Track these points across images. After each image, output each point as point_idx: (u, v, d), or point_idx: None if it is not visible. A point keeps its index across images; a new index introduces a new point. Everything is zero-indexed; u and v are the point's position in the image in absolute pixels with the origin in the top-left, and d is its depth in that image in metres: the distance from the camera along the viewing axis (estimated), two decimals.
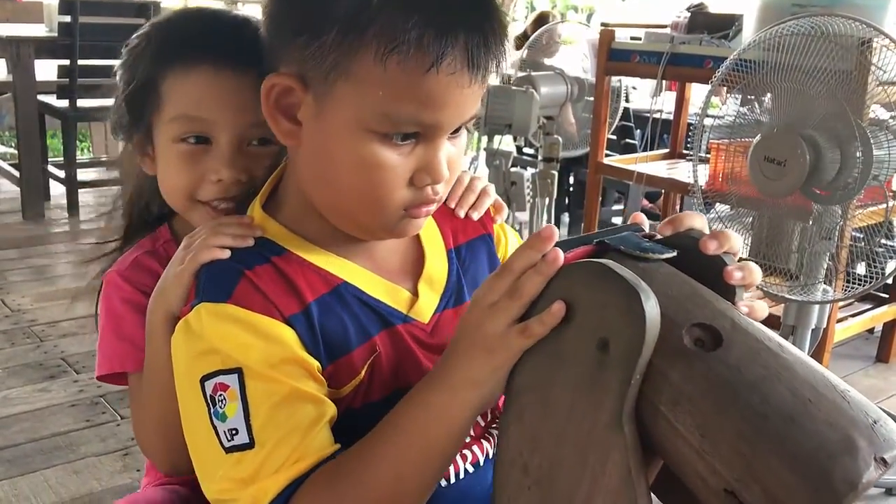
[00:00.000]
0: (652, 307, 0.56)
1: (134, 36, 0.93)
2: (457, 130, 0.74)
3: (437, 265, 0.83)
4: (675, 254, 0.64)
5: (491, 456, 0.81)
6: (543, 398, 0.61)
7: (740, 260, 0.65)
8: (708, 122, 2.27)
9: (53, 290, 3.14)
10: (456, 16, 0.67)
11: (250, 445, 0.67)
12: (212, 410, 0.69)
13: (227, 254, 0.75)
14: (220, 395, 0.69)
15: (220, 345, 0.70)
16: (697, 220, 0.67)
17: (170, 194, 0.91)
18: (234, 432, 0.68)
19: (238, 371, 0.68)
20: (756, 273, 0.64)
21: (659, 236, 0.67)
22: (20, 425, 2.19)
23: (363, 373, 0.74)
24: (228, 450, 0.68)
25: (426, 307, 0.80)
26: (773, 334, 0.58)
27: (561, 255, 0.62)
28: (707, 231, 0.67)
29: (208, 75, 0.86)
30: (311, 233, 0.77)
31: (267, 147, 0.88)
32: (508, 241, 0.91)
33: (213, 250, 0.75)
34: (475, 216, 0.88)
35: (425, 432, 0.67)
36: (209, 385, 0.69)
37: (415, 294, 0.80)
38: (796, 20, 1.95)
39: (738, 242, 0.66)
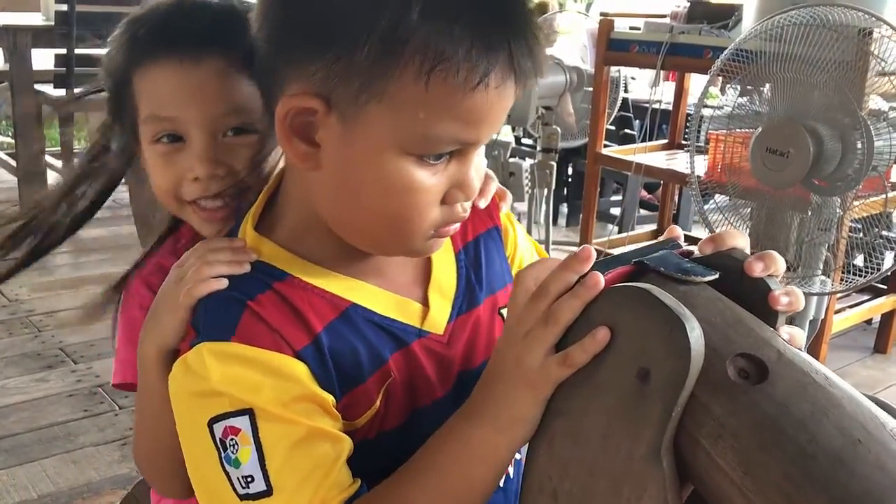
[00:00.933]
0: (696, 338, 0.53)
1: (113, 34, 0.89)
2: None
3: (444, 270, 0.79)
4: (717, 275, 0.61)
5: (512, 476, 0.78)
6: (576, 424, 0.59)
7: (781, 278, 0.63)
8: (707, 112, 2.26)
9: (51, 280, 3.14)
10: (500, 23, 0.63)
11: (268, 493, 0.63)
12: (223, 455, 0.64)
13: (224, 283, 0.69)
14: (232, 439, 0.64)
15: (227, 387, 0.65)
16: (740, 240, 0.64)
17: (159, 197, 0.88)
18: (249, 479, 0.63)
19: (249, 412, 0.64)
20: (801, 298, 0.61)
21: (697, 253, 0.64)
22: (18, 415, 2.20)
23: (378, 402, 0.70)
24: (243, 497, 0.64)
25: (439, 317, 0.76)
26: (819, 366, 0.55)
27: (601, 279, 0.59)
28: (748, 251, 0.64)
29: (168, 69, 0.81)
30: (312, 251, 0.72)
31: (243, 137, 0.83)
32: (516, 233, 0.87)
33: (209, 282, 0.70)
34: (482, 204, 0.82)
35: (467, 472, 0.64)
36: (218, 428, 0.64)
37: (425, 304, 0.76)
38: (797, 10, 1.94)
39: (782, 265, 0.62)
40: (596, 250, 0.62)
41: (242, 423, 0.64)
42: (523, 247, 0.88)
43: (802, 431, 0.50)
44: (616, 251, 0.67)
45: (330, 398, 0.67)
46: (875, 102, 1.99)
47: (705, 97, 2.27)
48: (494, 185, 0.85)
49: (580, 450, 0.58)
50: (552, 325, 0.60)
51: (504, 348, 0.64)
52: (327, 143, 0.66)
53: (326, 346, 0.68)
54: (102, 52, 0.91)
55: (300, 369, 0.66)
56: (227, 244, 0.73)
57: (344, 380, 0.69)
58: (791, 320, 1.86)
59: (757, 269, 0.60)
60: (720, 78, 2.16)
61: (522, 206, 2.92)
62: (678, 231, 0.67)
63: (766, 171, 1.89)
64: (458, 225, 0.71)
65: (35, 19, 4.02)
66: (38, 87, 3.93)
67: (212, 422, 0.65)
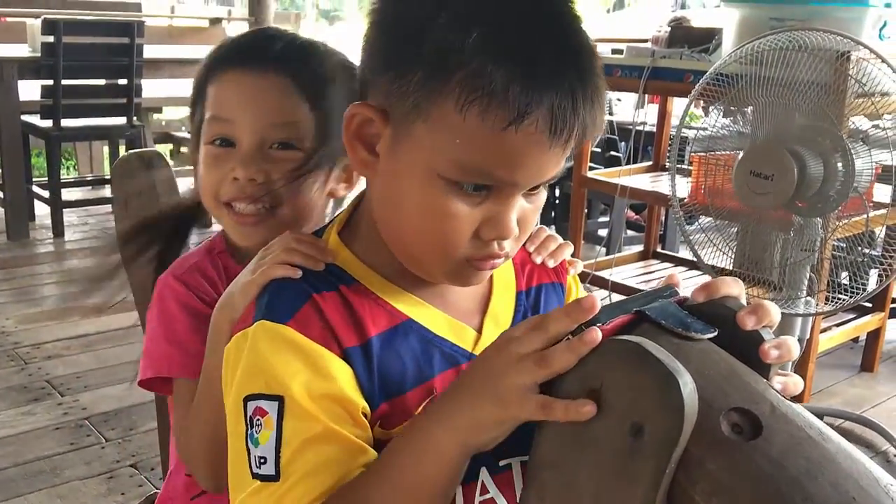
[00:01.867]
0: (690, 394, 0.53)
1: None
2: (536, 187, 0.70)
3: (503, 304, 0.81)
4: (716, 333, 0.60)
5: None
6: (568, 478, 0.58)
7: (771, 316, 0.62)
8: (691, 134, 2.28)
9: (38, 311, 3.12)
10: (547, 73, 0.63)
11: (275, 478, 0.66)
12: (248, 432, 0.68)
13: (297, 273, 0.73)
14: (258, 419, 0.68)
15: (269, 367, 0.68)
16: (734, 288, 0.64)
17: (203, 197, 0.94)
18: (262, 460, 0.67)
19: (280, 399, 0.67)
20: (793, 349, 0.61)
21: (691, 301, 0.64)
22: (4, 450, 2.18)
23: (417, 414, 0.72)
24: (255, 476, 0.67)
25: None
26: (813, 419, 0.56)
27: (598, 336, 0.58)
28: (744, 298, 0.64)
29: (234, 78, 0.91)
30: (383, 267, 0.75)
31: (288, 151, 0.90)
32: (578, 294, 0.90)
33: (285, 267, 0.74)
34: (551, 264, 0.86)
35: (422, 471, 0.65)
36: (251, 406, 0.68)
37: (480, 332, 0.78)
38: (775, 34, 1.97)
39: (776, 315, 0.62)
40: (583, 278, 0.61)
41: (271, 407, 0.67)
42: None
43: (798, 489, 0.50)
44: (603, 273, 0.67)
45: (363, 405, 0.69)
46: (856, 123, 2.01)
47: (689, 119, 2.30)
48: (568, 251, 0.89)
49: (573, 501, 0.58)
50: (544, 368, 0.60)
51: (491, 356, 0.64)
52: (383, 154, 0.71)
53: (375, 350, 0.71)
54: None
55: (342, 370, 0.69)
56: (311, 239, 0.78)
57: (386, 387, 0.71)
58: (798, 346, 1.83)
59: (750, 323, 0.61)
60: (702, 101, 2.18)
61: None
62: (677, 279, 0.67)
63: (751, 194, 1.90)
64: (500, 261, 0.72)
65: (22, 51, 4.03)
66: (24, 118, 3.94)
67: (247, 399, 0.69)
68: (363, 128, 0.71)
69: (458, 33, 0.63)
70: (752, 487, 0.51)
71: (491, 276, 0.80)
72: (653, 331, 0.59)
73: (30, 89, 3.94)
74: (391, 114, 0.68)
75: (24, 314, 3.08)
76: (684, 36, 2.75)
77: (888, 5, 2.30)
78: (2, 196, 3.98)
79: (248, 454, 0.68)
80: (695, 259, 2.24)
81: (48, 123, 3.85)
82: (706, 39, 2.64)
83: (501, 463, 0.75)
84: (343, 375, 0.69)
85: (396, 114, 0.68)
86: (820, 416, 2.60)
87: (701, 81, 2.04)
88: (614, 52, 3.16)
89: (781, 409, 0.55)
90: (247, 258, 0.86)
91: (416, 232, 0.70)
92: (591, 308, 0.60)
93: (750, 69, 1.95)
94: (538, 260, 0.86)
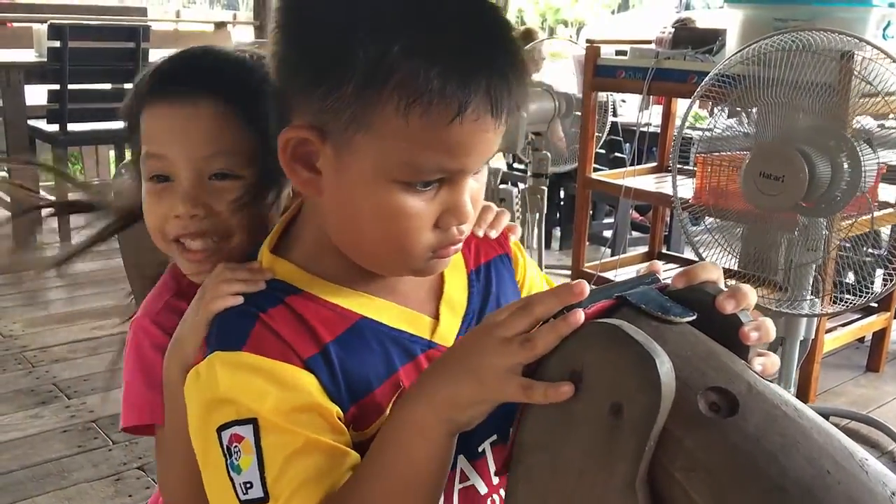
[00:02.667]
0: (667, 373, 0.54)
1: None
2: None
3: (456, 287, 0.82)
4: (695, 317, 0.62)
5: None
6: (553, 458, 0.60)
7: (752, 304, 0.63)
8: (696, 135, 2.28)
9: (45, 315, 3.14)
10: (478, 61, 0.65)
11: (265, 500, 0.66)
12: (228, 462, 0.67)
13: (239, 300, 0.73)
14: (236, 447, 0.67)
15: (235, 395, 0.68)
16: (713, 272, 0.66)
17: (151, 236, 0.90)
18: (248, 485, 0.66)
19: (253, 422, 0.67)
20: (771, 331, 0.63)
21: (672, 287, 0.66)
22: (12, 452, 2.19)
23: (388, 411, 0.72)
24: (244, 503, 0.66)
25: (448, 330, 0.79)
26: (789, 397, 0.57)
27: (581, 317, 0.60)
28: (722, 283, 0.65)
29: (161, 110, 0.85)
30: (328, 270, 0.75)
31: (227, 181, 0.85)
32: (525, 261, 0.91)
33: (225, 298, 0.73)
34: (493, 234, 0.87)
35: (408, 453, 0.65)
36: (225, 436, 0.68)
37: (436, 318, 0.79)
38: (780, 35, 1.96)
39: (753, 298, 0.64)
40: (588, 279, 0.63)
41: (246, 431, 0.67)
42: (532, 273, 0.91)
43: (773, 464, 0.52)
44: (607, 274, 0.68)
45: (336, 410, 0.69)
46: (861, 122, 2.01)
47: (693, 120, 2.30)
48: (506, 219, 0.89)
49: (558, 483, 0.59)
50: (528, 350, 0.61)
51: (474, 342, 0.65)
52: (326, 171, 0.70)
53: (335, 356, 0.71)
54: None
55: (308, 380, 0.69)
56: (243, 266, 0.77)
57: (352, 390, 0.71)
58: (783, 341, 1.85)
59: (728, 307, 0.62)
60: (710, 102, 2.18)
61: None
62: (658, 266, 0.68)
63: (760, 196, 1.88)
64: (458, 246, 0.73)
65: (28, 56, 4.05)
66: (31, 122, 3.95)
67: (220, 429, 0.68)
68: (299, 148, 0.70)
69: (384, 41, 0.63)
70: (729, 463, 0.53)
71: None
72: (633, 315, 0.61)
73: (36, 94, 3.96)
74: (327, 130, 0.67)
75: (32, 318, 3.09)
76: (688, 37, 2.76)
77: (892, 5, 2.30)
78: (8, 199, 4.00)
79: (233, 484, 0.67)
80: (699, 260, 2.24)
81: (55, 128, 3.87)
82: (710, 40, 2.64)
83: (480, 448, 0.76)
84: (310, 385, 0.69)
85: (333, 129, 0.67)
86: (826, 416, 2.58)
87: (704, 82, 2.04)
88: (618, 53, 3.16)
89: (758, 387, 0.56)
90: None
91: (377, 239, 0.70)
92: (580, 293, 0.61)
93: (754, 70, 1.94)
94: (480, 233, 0.86)
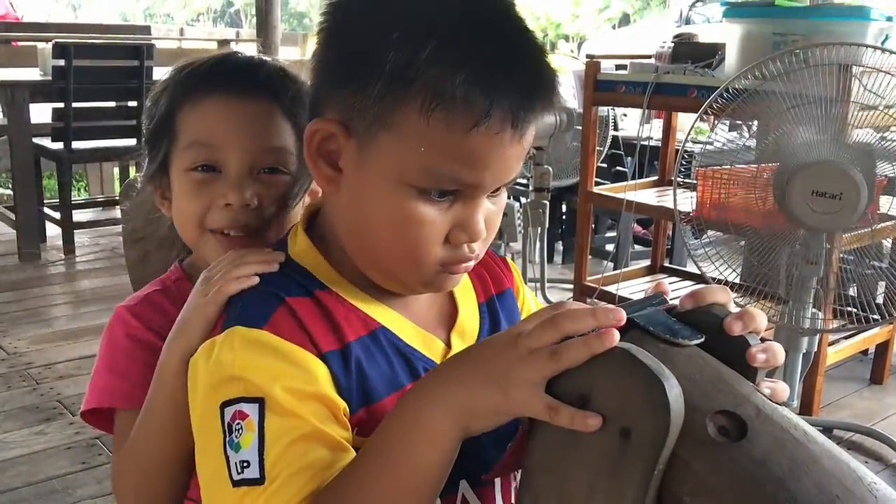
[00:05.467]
0: (675, 397, 0.54)
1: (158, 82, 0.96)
2: (497, 189, 0.72)
3: (469, 318, 0.82)
4: (702, 339, 0.62)
5: None
6: (561, 482, 0.59)
7: (763, 339, 0.63)
8: (698, 148, 2.29)
9: (50, 332, 3.15)
10: (504, 73, 0.66)
11: (260, 481, 0.65)
12: (227, 439, 0.67)
13: (255, 280, 0.74)
14: (238, 423, 0.66)
15: (247, 373, 0.67)
16: (721, 295, 0.65)
17: (182, 225, 0.91)
18: (245, 464, 0.65)
19: (260, 401, 0.66)
20: (780, 355, 0.63)
21: (679, 308, 0.66)
22: (16, 469, 2.19)
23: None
24: (237, 483, 0.65)
25: None
26: (798, 420, 0.57)
27: (616, 337, 0.58)
28: (731, 305, 0.65)
29: (219, 102, 0.89)
30: (351, 274, 0.76)
31: (277, 176, 0.89)
32: (524, 287, 0.92)
33: (240, 279, 0.75)
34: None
35: (410, 449, 0.64)
36: (228, 412, 0.67)
37: (448, 346, 0.79)
38: (795, 49, 1.93)
39: (762, 321, 0.64)
40: (590, 293, 0.63)
41: (252, 409, 0.66)
42: (527, 295, 0.92)
43: (782, 489, 0.51)
44: (610, 288, 0.68)
45: (343, 406, 0.69)
46: (858, 135, 2.01)
47: (694, 133, 2.30)
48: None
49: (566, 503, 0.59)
50: (556, 363, 0.60)
51: (498, 350, 0.63)
52: (347, 168, 0.71)
53: (354, 356, 0.71)
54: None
55: (321, 371, 0.69)
56: (258, 250, 0.79)
57: (363, 393, 0.71)
58: (784, 353, 1.85)
59: (736, 329, 0.62)
60: (716, 117, 2.18)
61: (517, 246, 2.94)
62: (665, 286, 0.68)
63: (815, 215, 1.84)
64: (469, 264, 0.73)
65: (33, 74, 4.08)
66: (36, 140, 3.98)
67: (224, 405, 0.67)
68: (325, 144, 0.72)
69: (414, 45, 0.65)
70: (737, 488, 0.53)
71: (452, 291, 0.81)
72: (641, 337, 0.61)
73: (41, 112, 3.99)
74: (352, 127, 0.69)
75: (36, 334, 3.10)
76: (688, 51, 2.77)
77: (889, 19, 2.31)
78: (14, 218, 4.02)
79: (228, 462, 0.66)
80: (701, 273, 2.24)
81: (59, 146, 3.89)
82: (710, 55, 2.65)
83: (484, 478, 0.74)
84: (323, 376, 0.69)
85: (358, 126, 0.69)
86: (829, 429, 2.59)
87: (712, 97, 2.03)
88: (618, 67, 3.18)
89: (766, 411, 0.56)
90: None
91: (388, 243, 0.71)
92: (618, 320, 0.60)
93: (760, 84, 1.93)
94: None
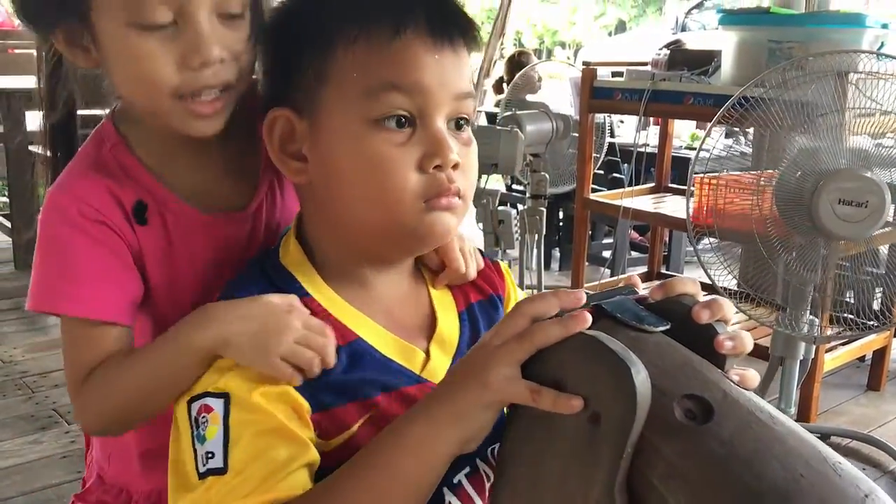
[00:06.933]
0: (642, 382, 0.56)
1: None
2: (459, 127, 0.74)
3: (448, 326, 0.82)
4: (668, 326, 0.64)
5: None
6: (535, 469, 0.61)
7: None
8: (718, 151, 2.26)
9: (45, 340, 3.13)
10: None
11: (223, 471, 0.66)
12: (194, 433, 0.69)
13: (299, 381, 0.71)
14: (204, 416, 0.69)
15: (214, 368, 0.71)
16: (690, 286, 0.67)
17: (148, 93, 0.77)
18: (209, 455, 0.67)
19: (225, 396, 0.69)
20: (747, 342, 0.64)
21: (650, 299, 0.67)
22: (11, 479, 2.18)
23: (356, 428, 0.72)
24: (202, 475, 0.67)
25: (438, 368, 0.79)
26: (764, 404, 0.58)
27: (589, 320, 0.60)
28: (700, 297, 0.67)
29: None
30: (336, 277, 0.78)
31: (237, 21, 0.78)
32: (517, 293, 0.92)
33: (295, 373, 0.71)
34: (470, 274, 0.87)
35: (398, 468, 0.65)
36: (195, 406, 0.70)
37: (427, 355, 0.79)
38: (809, 59, 1.91)
39: (729, 310, 0.65)
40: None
41: (217, 404, 0.69)
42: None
43: (748, 469, 0.53)
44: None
45: (307, 406, 0.71)
46: (854, 142, 2.02)
47: (690, 140, 2.30)
48: (477, 259, 0.88)
49: (539, 493, 0.60)
50: (526, 342, 0.61)
51: (471, 355, 0.66)
52: (310, 153, 0.75)
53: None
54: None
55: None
56: (322, 330, 0.73)
57: (325, 397, 0.72)
58: (781, 361, 1.85)
59: (704, 317, 0.64)
60: (729, 126, 2.16)
61: (514, 253, 2.94)
62: (637, 279, 0.70)
63: (841, 224, 1.84)
64: (454, 199, 0.73)
65: (29, 82, 4.06)
66: (32, 148, 3.97)
67: (191, 400, 0.71)
68: (286, 143, 0.75)
69: (319, 11, 0.74)
70: (704, 469, 0.54)
71: (431, 299, 0.83)
72: (610, 325, 0.63)
73: (37, 120, 3.98)
74: (298, 106, 0.74)
75: (32, 343, 3.08)
76: (683, 59, 2.78)
77: (885, 26, 2.32)
78: (10, 226, 4.01)
79: (195, 455, 0.68)
80: (705, 280, 2.24)
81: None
82: (705, 62, 2.66)
83: (455, 479, 0.74)
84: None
85: (301, 99, 0.74)
86: (826, 435, 2.59)
87: (726, 105, 2.01)
88: (615, 74, 3.19)
89: (733, 395, 0.58)
90: (148, 145, 0.81)
91: (364, 194, 0.72)
92: (577, 301, 0.63)
93: (765, 91, 1.91)
94: (471, 276, 0.86)
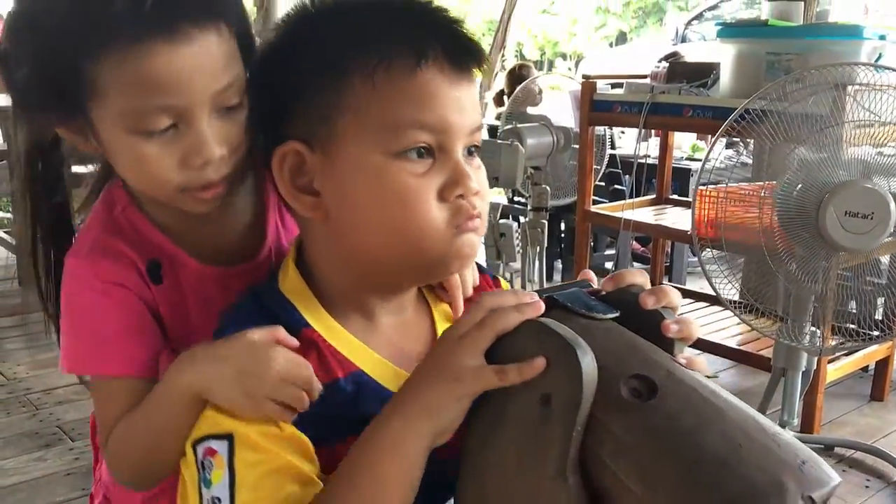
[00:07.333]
0: (588, 362, 0.59)
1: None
2: (470, 154, 0.75)
3: None
4: (617, 314, 0.67)
5: None
6: (495, 454, 0.64)
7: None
8: (708, 166, 2.27)
9: (49, 357, 3.13)
10: (424, 15, 0.73)
11: None
12: (200, 476, 0.68)
13: (289, 419, 0.70)
14: (209, 460, 0.68)
15: (215, 410, 0.70)
16: (639, 277, 0.71)
17: (152, 188, 0.80)
18: (216, 501, 0.67)
19: (229, 438, 0.68)
20: (693, 327, 0.67)
21: (603, 292, 0.71)
22: (15, 496, 2.18)
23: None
24: None
25: None
26: (706, 381, 0.61)
27: (542, 307, 0.65)
28: (647, 286, 0.70)
29: (161, 49, 0.73)
30: (339, 307, 0.77)
31: (238, 112, 0.79)
32: None
33: (282, 412, 0.69)
34: (469, 291, 0.87)
35: (376, 466, 0.65)
36: (200, 449, 0.69)
37: None
38: (813, 71, 1.92)
39: (676, 298, 0.69)
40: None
41: (221, 446, 0.68)
42: None
43: (690, 440, 0.56)
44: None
45: (306, 440, 0.70)
46: (853, 153, 2.02)
47: (692, 151, 2.31)
48: (475, 276, 0.89)
49: (498, 478, 0.63)
50: (487, 330, 0.65)
51: (436, 350, 0.68)
52: (324, 186, 0.72)
53: (324, 396, 0.72)
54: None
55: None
56: (305, 370, 0.72)
57: (326, 433, 0.71)
58: (783, 372, 1.85)
59: (650, 303, 0.67)
60: (736, 138, 2.16)
61: (516, 265, 2.95)
62: (591, 274, 0.73)
63: (848, 235, 1.84)
64: (477, 222, 0.74)
65: None
66: None
67: (195, 443, 0.70)
68: (296, 177, 0.73)
69: (337, 42, 0.70)
70: (650, 443, 0.57)
71: (433, 322, 0.83)
72: (563, 314, 0.66)
73: None
74: (311, 140, 0.72)
75: (36, 360, 3.09)
76: (683, 71, 2.79)
77: (883, 37, 2.33)
78: (13, 242, 4.03)
79: (201, 499, 0.68)
80: (701, 291, 2.24)
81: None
82: (705, 74, 2.68)
83: None
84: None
85: (315, 130, 0.71)
86: (830, 447, 2.58)
87: (730, 118, 2.02)
88: (614, 87, 3.20)
89: (677, 374, 0.61)
90: (157, 206, 0.81)
91: (388, 230, 0.71)
92: (532, 294, 0.66)
93: (771, 104, 1.91)
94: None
